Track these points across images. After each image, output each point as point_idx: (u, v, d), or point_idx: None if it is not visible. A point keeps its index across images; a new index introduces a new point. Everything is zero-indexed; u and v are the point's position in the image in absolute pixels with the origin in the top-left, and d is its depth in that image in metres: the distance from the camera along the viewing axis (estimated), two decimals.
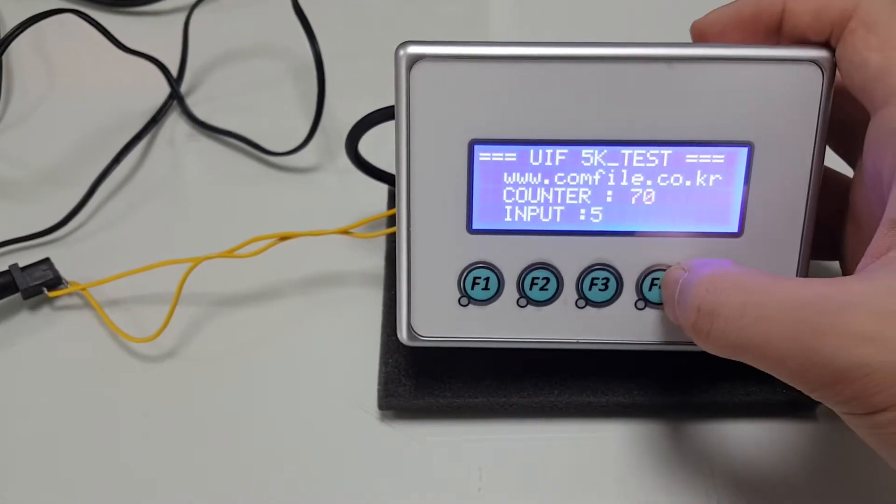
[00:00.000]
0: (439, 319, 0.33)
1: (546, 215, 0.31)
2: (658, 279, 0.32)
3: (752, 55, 0.29)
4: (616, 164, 0.31)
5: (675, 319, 0.30)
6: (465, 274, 0.32)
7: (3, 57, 0.43)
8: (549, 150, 0.31)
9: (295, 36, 0.46)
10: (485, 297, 0.32)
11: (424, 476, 0.34)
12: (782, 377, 0.26)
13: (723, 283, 0.27)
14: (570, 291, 0.32)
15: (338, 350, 0.38)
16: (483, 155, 0.31)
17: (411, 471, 0.34)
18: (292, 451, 0.35)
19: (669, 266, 0.31)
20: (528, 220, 0.31)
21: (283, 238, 0.38)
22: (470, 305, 0.32)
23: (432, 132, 0.30)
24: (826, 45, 0.29)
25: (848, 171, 0.33)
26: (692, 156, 0.30)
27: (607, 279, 0.32)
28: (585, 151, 0.30)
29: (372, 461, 0.34)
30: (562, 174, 0.31)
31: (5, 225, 0.42)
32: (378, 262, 0.40)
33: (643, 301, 0.32)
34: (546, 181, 0.31)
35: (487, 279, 0.32)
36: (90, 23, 0.43)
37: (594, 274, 0.32)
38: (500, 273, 0.32)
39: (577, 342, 0.33)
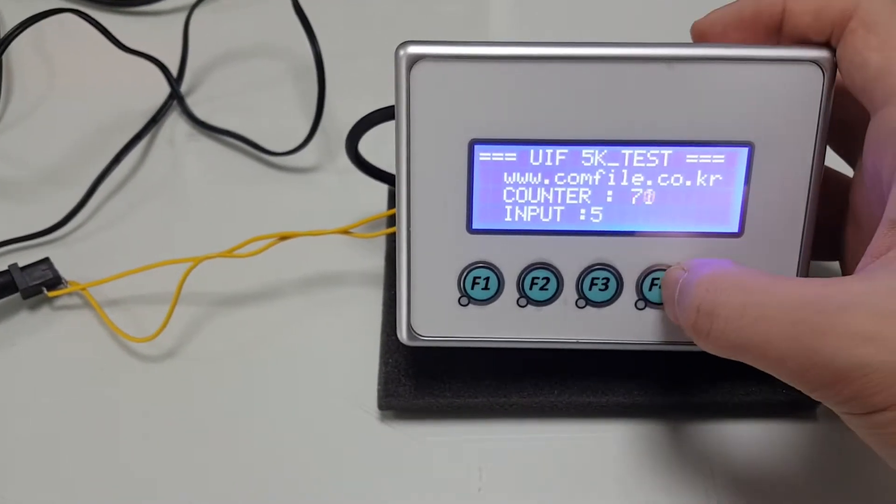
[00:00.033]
0: (439, 319, 0.33)
1: (546, 215, 0.31)
2: (658, 279, 0.32)
3: (752, 55, 0.29)
4: (616, 164, 0.31)
5: (675, 319, 0.30)
6: (465, 274, 0.32)
7: (3, 57, 0.43)
8: (549, 150, 0.31)
9: (295, 36, 0.46)
10: (485, 297, 0.32)
11: (424, 476, 0.34)
12: (782, 377, 0.26)
13: (722, 284, 0.27)
14: (570, 291, 0.32)
15: (338, 350, 0.38)
16: (483, 155, 0.31)
17: (411, 471, 0.34)
18: (292, 451, 0.35)
19: (669, 266, 0.31)
20: (529, 219, 0.31)
21: (283, 238, 0.38)
22: (470, 305, 0.32)
23: (432, 132, 0.30)
24: (827, 45, 0.29)
25: (848, 171, 0.33)
26: (692, 156, 0.30)
27: (607, 279, 0.32)
28: (586, 151, 0.30)
29: (372, 461, 0.34)
30: (562, 174, 0.31)
31: (5, 225, 0.42)
32: (378, 262, 0.40)
33: (643, 301, 0.32)
34: (546, 181, 0.31)
35: (487, 279, 0.32)
36: (90, 22, 0.43)
37: (594, 274, 0.32)
38: (500, 273, 0.32)
39: (577, 342, 0.33)
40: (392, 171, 0.32)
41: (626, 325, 0.32)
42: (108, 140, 0.46)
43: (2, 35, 0.42)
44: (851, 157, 0.33)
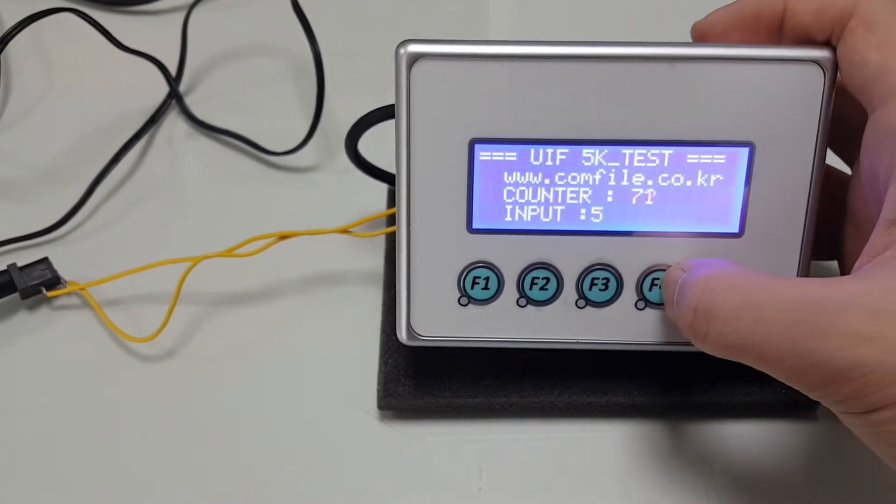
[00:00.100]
0: (439, 319, 0.33)
1: (546, 215, 0.31)
2: (658, 279, 0.32)
3: (753, 55, 0.29)
4: (617, 164, 0.31)
5: (676, 320, 0.30)
6: (464, 273, 0.32)
7: (2, 56, 0.43)
8: (549, 150, 0.30)
9: (294, 35, 0.46)
10: (485, 297, 0.32)
11: (424, 476, 0.34)
12: (780, 377, 0.26)
13: (719, 285, 0.27)
14: (570, 291, 0.32)
15: (337, 350, 0.38)
16: (483, 154, 0.31)
17: (411, 471, 0.34)
18: (292, 451, 0.35)
19: (670, 266, 0.31)
20: (529, 219, 0.31)
21: (283, 237, 0.38)
22: (470, 305, 0.32)
23: (432, 131, 0.30)
24: (828, 44, 0.29)
25: (848, 171, 0.33)
26: (693, 156, 0.30)
27: (607, 279, 0.32)
28: (586, 151, 0.30)
29: (372, 461, 0.34)
30: (562, 174, 0.31)
31: (4, 224, 0.42)
32: (378, 262, 0.40)
33: (643, 301, 0.32)
34: (546, 181, 0.31)
35: (487, 279, 0.32)
36: (89, 22, 0.43)
37: (594, 274, 0.32)
38: (500, 273, 0.32)
39: (577, 342, 0.33)
40: (392, 170, 0.32)
41: (626, 326, 0.32)
42: (107, 139, 0.46)
43: (0, 34, 0.42)
44: (849, 156, 0.33)
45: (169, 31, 0.51)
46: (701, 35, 0.31)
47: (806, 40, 0.29)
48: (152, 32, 0.53)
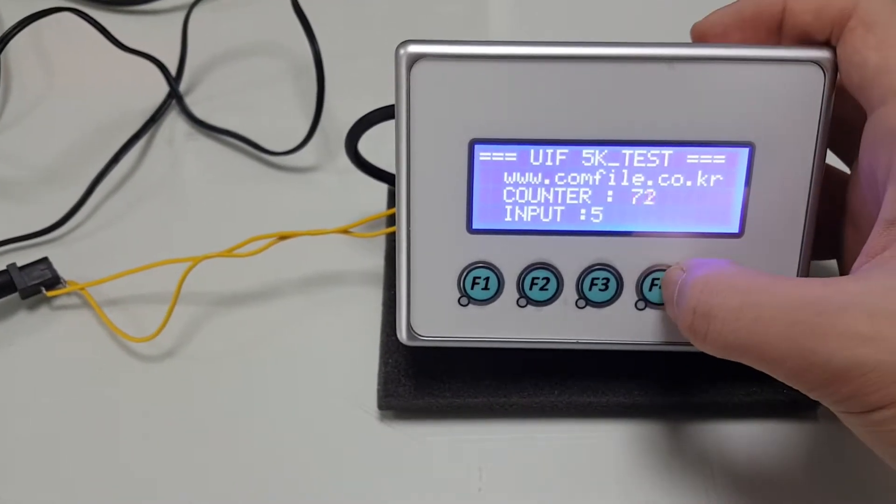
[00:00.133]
0: (439, 319, 0.33)
1: (546, 215, 0.31)
2: (658, 279, 0.32)
3: (753, 55, 0.29)
4: (617, 164, 0.31)
5: (675, 320, 0.30)
6: (464, 274, 0.32)
7: (2, 56, 0.43)
8: (549, 150, 0.30)
9: (294, 35, 0.46)
10: (485, 297, 0.32)
11: (424, 476, 0.34)
12: (779, 377, 0.26)
13: (718, 285, 0.27)
14: (570, 291, 0.32)
15: (337, 350, 0.38)
16: (483, 154, 0.31)
17: (411, 471, 0.34)
18: (292, 451, 0.35)
19: (670, 266, 0.31)
20: (529, 219, 0.31)
21: (283, 237, 0.38)
22: (470, 305, 0.32)
23: (432, 131, 0.30)
24: (827, 44, 0.29)
25: (847, 170, 0.33)
26: (693, 156, 0.30)
27: (607, 279, 0.32)
28: (586, 151, 0.30)
29: (372, 461, 0.34)
30: (562, 174, 0.31)
31: (3, 224, 0.42)
32: (378, 262, 0.40)
33: (643, 301, 0.32)
34: (546, 181, 0.31)
35: (487, 279, 0.32)
36: (89, 21, 0.43)
37: (594, 274, 0.32)
38: (500, 273, 0.32)
39: (577, 342, 0.33)
40: (392, 170, 0.32)
41: (626, 326, 0.32)
42: (107, 139, 0.46)
43: (0, 34, 0.42)
44: (848, 156, 0.33)
45: (169, 30, 0.51)
46: (701, 36, 0.31)
47: (806, 40, 0.29)
48: (152, 32, 0.53)
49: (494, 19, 0.55)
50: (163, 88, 0.48)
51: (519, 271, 0.32)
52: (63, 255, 0.41)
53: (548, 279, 0.32)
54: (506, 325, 0.33)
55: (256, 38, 0.52)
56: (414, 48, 0.30)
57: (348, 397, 0.36)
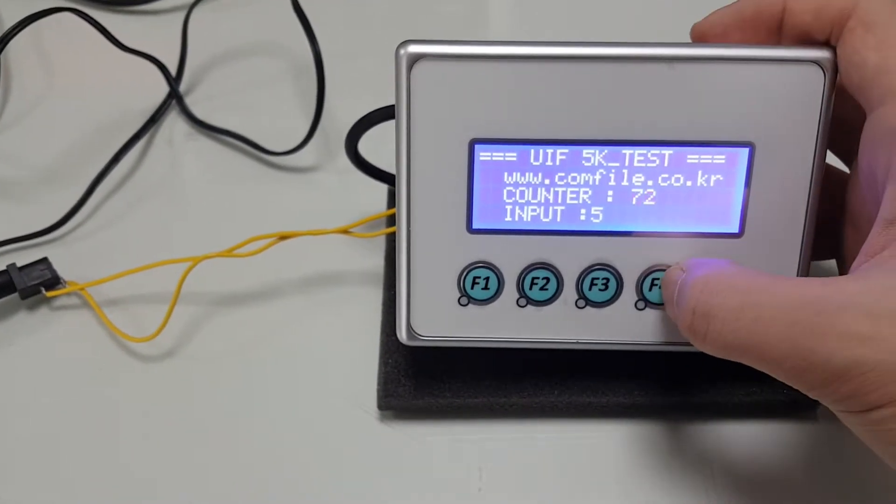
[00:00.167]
0: (439, 319, 0.33)
1: (546, 215, 0.31)
2: (658, 279, 0.32)
3: (753, 55, 0.29)
4: (617, 164, 0.31)
5: (675, 320, 0.30)
6: (464, 274, 0.32)
7: (2, 56, 0.43)
8: (549, 150, 0.30)
9: (295, 35, 0.46)
10: (485, 297, 0.32)
11: (424, 476, 0.34)
12: (779, 377, 0.26)
13: (717, 285, 0.27)
14: (570, 291, 0.32)
15: (337, 350, 0.38)
16: (483, 154, 0.31)
17: (411, 471, 0.34)
18: (292, 451, 0.35)
19: (670, 266, 0.31)
20: (529, 219, 0.31)
21: (283, 237, 0.38)
22: (470, 305, 0.32)
23: (432, 132, 0.30)
24: (828, 45, 0.29)
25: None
26: (693, 156, 0.30)
27: (607, 279, 0.32)
28: (586, 151, 0.30)
29: (372, 461, 0.34)
30: (562, 174, 0.31)
31: (3, 224, 0.42)
32: (378, 262, 0.40)
33: (643, 301, 0.32)
34: (546, 181, 0.31)
35: (487, 279, 0.32)
36: (89, 21, 0.43)
37: (594, 274, 0.32)
38: (500, 273, 0.32)
39: (577, 342, 0.33)
40: (392, 170, 0.32)
41: (625, 326, 0.32)
42: (107, 139, 0.46)
43: (0, 34, 0.42)
44: (847, 156, 0.33)
45: (169, 30, 0.51)
46: (701, 36, 0.31)
47: (805, 40, 0.29)
48: (152, 32, 0.53)
49: (494, 19, 0.55)
50: (163, 88, 0.48)
51: (519, 271, 0.32)
52: (63, 256, 0.41)
53: (548, 279, 0.32)
54: (506, 325, 0.33)
55: (256, 38, 0.52)
56: (414, 48, 0.30)
57: (348, 397, 0.36)
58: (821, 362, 0.24)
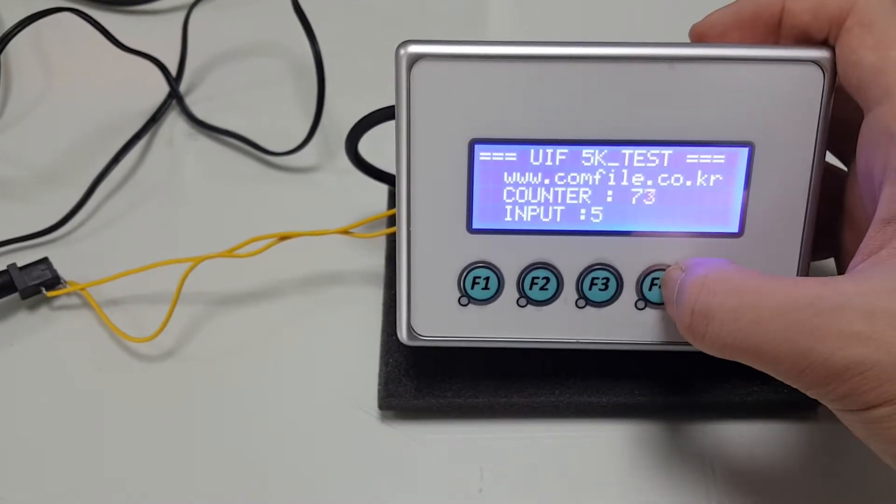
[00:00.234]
0: (439, 319, 0.33)
1: (546, 215, 0.31)
2: (658, 279, 0.32)
3: (753, 55, 0.29)
4: (616, 164, 0.31)
5: (675, 319, 0.30)
6: (465, 273, 0.32)
7: (2, 56, 0.43)
8: (549, 150, 0.31)
9: (295, 35, 0.46)
10: (485, 297, 0.32)
11: (425, 476, 0.34)
12: (777, 376, 0.26)
13: (716, 285, 0.27)
14: (570, 291, 0.32)
15: (338, 350, 0.38)
16: (483, 154, 0.31)
17: (412, 471, 0.34)
18: (293, 451, 0.35)
19: (669, 266, 0.31)
20: (529, 219, 0.31)
21: (283, 238, 0.38)
22: (470, 305, 0.32)
23: (432, 132, 0.30)
24: (827, 44, 0.29)
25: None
26: (693, 156, 0.30)
27: (607, 279, 0.32)
28: (586, 151, 0.30)
29: (372, 461, 0.34)
30: (562, 174, 0.31)
31: (4, 224, 0.42)
32: (378, 262, 0.40)
33: (643, 301, 0.32)
34: (546, 181, 0.31)
35: (487, 279, 0.32)
36: (89, 22, 0.43)
37: (594, 274, 0.32)
38: (500, 273, 0.32)
39: (577, 342, 0.33)
40: (392, 171, 0.32)
41: (626, 325, 0.32)
42: (108, 139, 0.46)
43: (0, 34, 0.42)
44: (845, 155, 0.33)
45: (169, 30, 0.51)
46: (700, 36, 0.31)
47: (804, 40, 0.29)
48: (152, 32, 0.53)
49: (494, 19, 0.55)
50: (163, 88, 0.48)
51: (519, 271, 0.32)
52: (63, 256, 0.41)
53: (548, 279, 0.32)
54: (506, 324, 0.33)
55: (257, 38, 0.52)
56: (414, 48, 0.30)
57: (349, 397, 0.36)
58: (819, 362, 0.24)
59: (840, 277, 0.26)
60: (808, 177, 0.30)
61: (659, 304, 0.32)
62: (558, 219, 0.31)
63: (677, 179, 0.31)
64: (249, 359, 0.38)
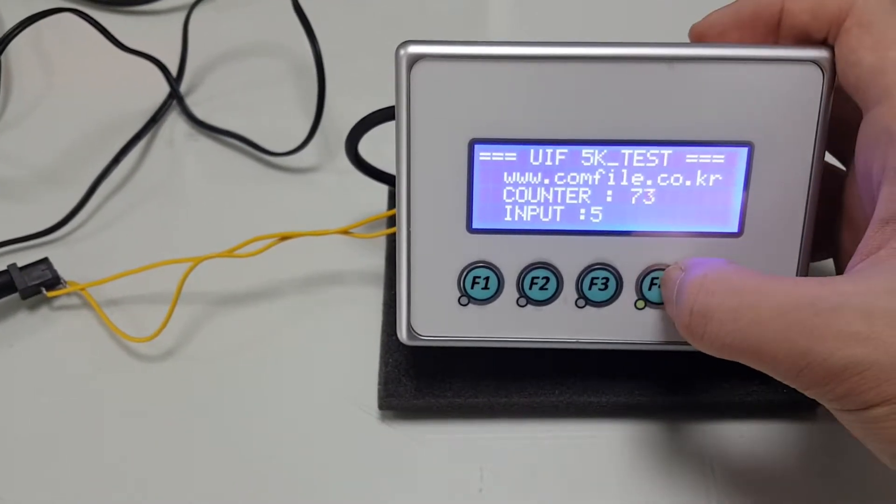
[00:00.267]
0: (439, 319, 0.33)
1: (546, 215, 0.31)
2: (658, 279, 0.32)
3: (752, 55, 0.29)
4: (616, 164, 0.31)
5: (675, 319, 0.30)
6: (464, 273, 0.32)
7: (3, 56, 0.43)
8: (549, 150, 0.31)
9: (295, 35, 0.46)
10: (485, 297, 0.32)
11: (425, 476, 0.34)
12: (776, 376, 0.26)
13: (714, 285, 0.27)
14: (569, 291, 0.32)
15: (338, 350, 0.38)
16: (483, 154, 0.31)
17: (412, 471, 0.34)
18: (293, 451, 0.35)
19: (669, 266, 0.31)
20: (528, 219, 0.31)
21: (284, 238, 0.38)
22: (470, 305, 0.32)
23: (432, 132, 0.30)
24: (826, 44, 0.29)
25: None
26: (692, 156, 0.30)
27: (607, 279, 0.32)
28: (585, 151, 0.30)
29: (372, 461, 0.34)
30: (562, 174, 0.31)
31: (4, 225, 0.42)
32: (378, 262, 0.40)
33: (643, 301, 0.32)
34: (546, 181, 0.31)
35: (487, 279, 0.32)
36: (89, 22, 0.43)
37: (594, 273, 0.32)
38: (500, 272, 0.32)
39: (577, 342, 0.33)
40: (392, 171, 0.32)
41: (625, 325, 0.32)
42: (108, 140, 0.46)
43: (1, 34, 0.42)
44: (844, 155, 0.33)
45: (169, 31, 0.51)
46: (699, 36, 0.31)
47: (804, 40, 0.29)
48: (153, 32, 0.53)
49: (494, 19, 0.55)
50: (163, 89, 0.48)
51: (519, 271, 0.32)
52: (64, 256, 0.41)
53: (547, 279, 0.32)
54: (506, 324, 0.33)
55: (257, 39, 0.52)
56: (414, 49, 0.30)
57: (349, 397, 0.36)
58: (818, 362, 0.25)
59: (839, 278, 0.26)
60: (807, 177, 0.30)
61: (659, 304, 0.32)
62: (558, 219, 0.31)
63: (677, 179, 0.31)
64: (250, 359, 0.38)
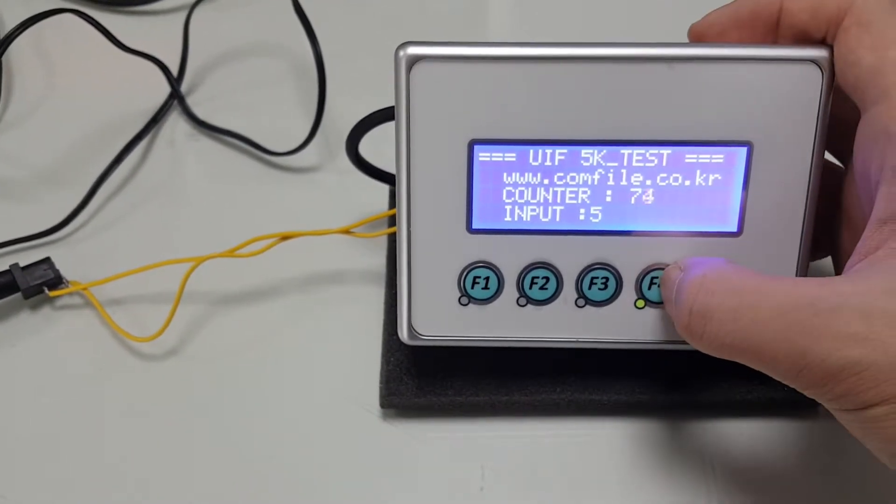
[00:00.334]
0: (439, 319, 0.33)
1: (546, 215, 0.31)
2: (657, 278, 0.32)
3: (751, 55, 0.29)
4: (615, 164, 0.31)
5: (674, 318, 0.30)
6: (465, 273, 0.32)
7: (3, 57, 0.43)
8: (548, 150, 0.31)
9: (295, 35, 0.46)
10: (485, 297, 0.32)
11: (426, 475, 0.34)
12: (775, 376, 0.26)
13: (714, 285, 0.27)
14: (569, 291, 0.32)
15: (339, 349, 0.38)
16: (483, 155, 0.31)
17: (413, 470, 0.34)
18: (295, 450, 0.35)
19: (668, 265, 0.31)
20: (528, 219, 0.32)
21: (285, 238, 0.38)
22: (470, 305, 0.33)
23: (432, 132, 0.31)
24: (825, 44, 0.29)
25: None
26: (691, 155, 0.31)
27: (607, 278, 0.32)
28: (585, 151, 0.31)
29: (373, 460, 0.34)
30: (561, 174, 0.31)
31: (6, 225, 0.42)
32: (379, 262, 0.40)
33: (643, 300, 0.32)
34: (546, 181, 0.31)
35: (487, 279, 0.32)
36: (90, 22, 0.43)
37: (594, 273, 0.32)
38: (500, 272, 0.32)
39: (577, 341, 0.33)
40: (392, 171, 0.33)
41: (625, 325, 0.32)
42: (109, 140, 0.46)
43: (2, 35, 0.42)
44: (843, 155, 0.33)
45: (170, 31, 0.51)
46: (698, 36, 0.31)
47: (803, 40, 0.29)
48: (153, 33, 0.53)
49: (494, 20, 0.55)
50: (164, 89, 0.48)
51: (519, 271, 0.32)
52: (66, 256, 0.41)
53: (547, 278, 0.32)
54: (506, 324, 0.33)
55: (257, 39, 0.52)
56: (413, 49, 0.30)
57: (350, 396, 0.36)
58: (817, 362, 0.25)
59: (837, 278, 0.26)
60: (806, 176, 0.31)
61: (658, 304, 0.32)
62: (558, 219, 0.31)
63: (676, 179, 0.31)
64: (251, 358, 0.38)
